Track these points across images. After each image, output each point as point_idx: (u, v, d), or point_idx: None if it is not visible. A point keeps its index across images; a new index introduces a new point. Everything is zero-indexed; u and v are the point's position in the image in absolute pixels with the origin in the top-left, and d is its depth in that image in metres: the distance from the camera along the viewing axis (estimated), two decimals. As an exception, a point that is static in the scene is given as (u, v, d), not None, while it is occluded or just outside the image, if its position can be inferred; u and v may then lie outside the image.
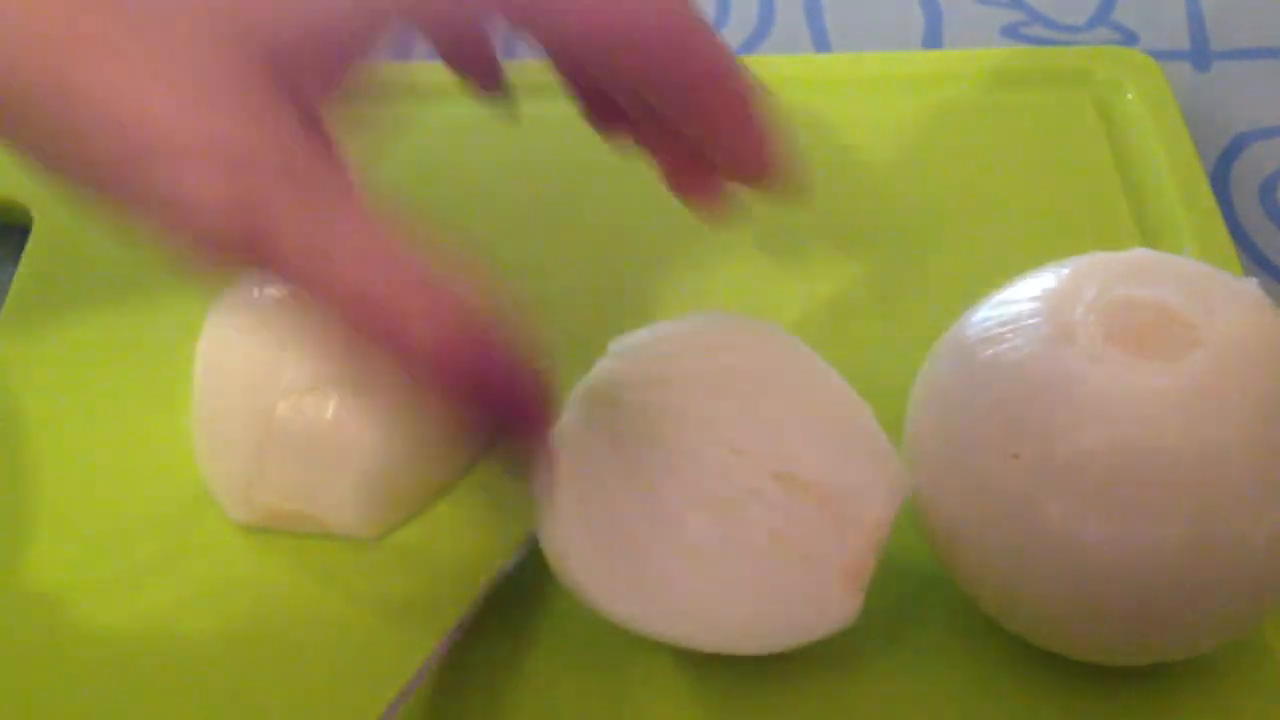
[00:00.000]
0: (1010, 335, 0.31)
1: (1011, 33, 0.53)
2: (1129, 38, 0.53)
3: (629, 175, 0.46)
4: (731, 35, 0.53)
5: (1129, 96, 0.48)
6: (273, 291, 0.37)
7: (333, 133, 0.27)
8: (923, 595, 0.35)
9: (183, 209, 0.25)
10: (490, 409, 0.27)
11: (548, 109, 0.41)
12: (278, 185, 0.25)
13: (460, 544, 0.37)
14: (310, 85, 0.26)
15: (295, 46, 0.26)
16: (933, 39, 0.53)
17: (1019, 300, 0.32)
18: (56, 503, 0.38)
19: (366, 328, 0.26)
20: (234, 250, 0.25)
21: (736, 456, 0.31)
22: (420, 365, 0.26)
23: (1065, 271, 0.32)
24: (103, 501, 0.38)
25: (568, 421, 0.31)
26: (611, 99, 0.33)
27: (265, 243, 0.25)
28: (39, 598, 0.36)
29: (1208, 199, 0.44)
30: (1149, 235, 0.43)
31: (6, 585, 0.36)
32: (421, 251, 0.26)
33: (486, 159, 0.47)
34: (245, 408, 0.36)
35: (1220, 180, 0.48)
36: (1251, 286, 0.31)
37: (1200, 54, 0.52)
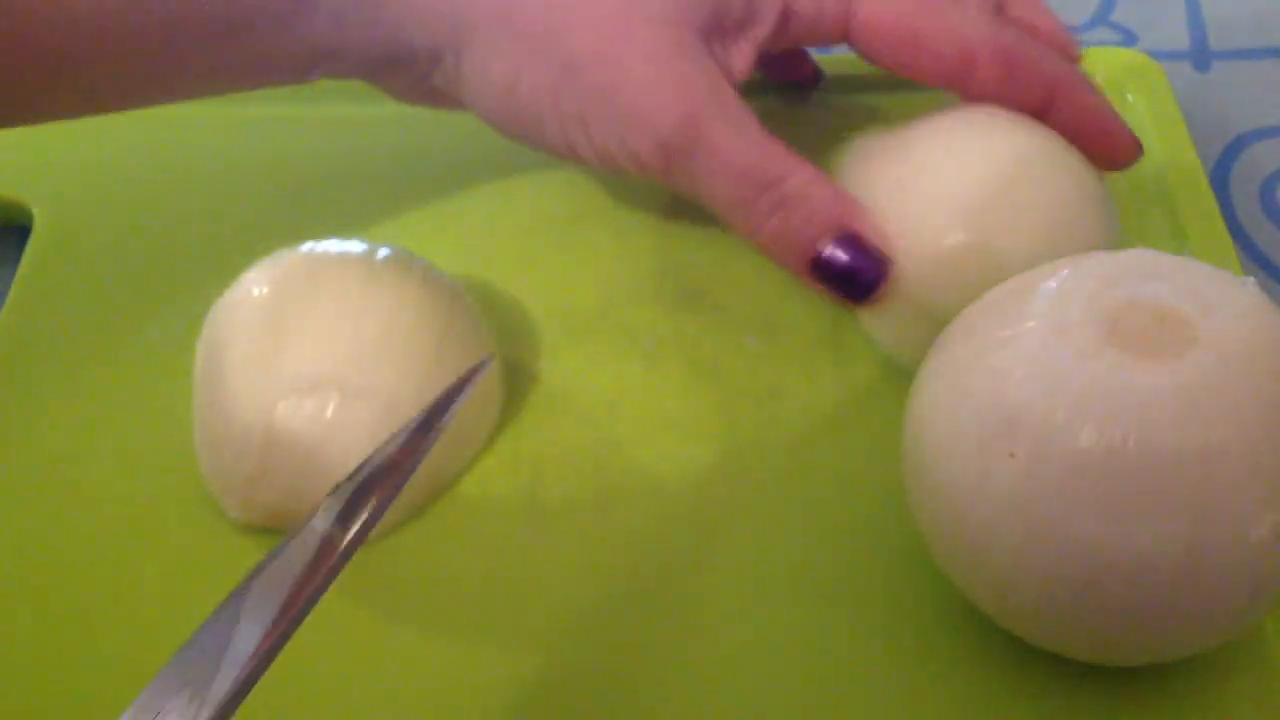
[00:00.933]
0: (1009, 334, 0.31)
1: (1012, 33, 0.53)
2: (1129, 38, 0.53)
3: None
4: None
5: (1129, 97, 0.48)
6: (272, 291, 0.37)
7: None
8: (921, 595, 0.35)
9: (644, 121, 0.36)
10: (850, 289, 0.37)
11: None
12: (709, 108, 0.36)
13: (460, 544, 0.37)
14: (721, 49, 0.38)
15: (716, 21, 0.37)
16: (933, 39, 0.53)
17: (1017, 299, 0.32)
18: (56, 502, 0.38)
19: (765, 213, 0.37)
20: (672, 154, 0.36)
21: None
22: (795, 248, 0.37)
23: (1064, 271, 0.32)
24: (103, 501, 0.38)
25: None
26: None
27: (700, 148, 0.36)
28: (38, 597, 0.36)
29: (1208, 199, 0.44)
30: (1149, 235, 0.43)
31: (6, 584, 0.36)
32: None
33: (493, 158, 0.47)
34: (245, 408, 0.36)
35: (1220, 180, 0.48)
36: (1250, 285, 0.31)
37: (1200, 54, 0.53)
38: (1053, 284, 0.31)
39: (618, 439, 0.39)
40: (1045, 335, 0.30)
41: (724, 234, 0.44)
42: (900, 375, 0.39)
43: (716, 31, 0.37)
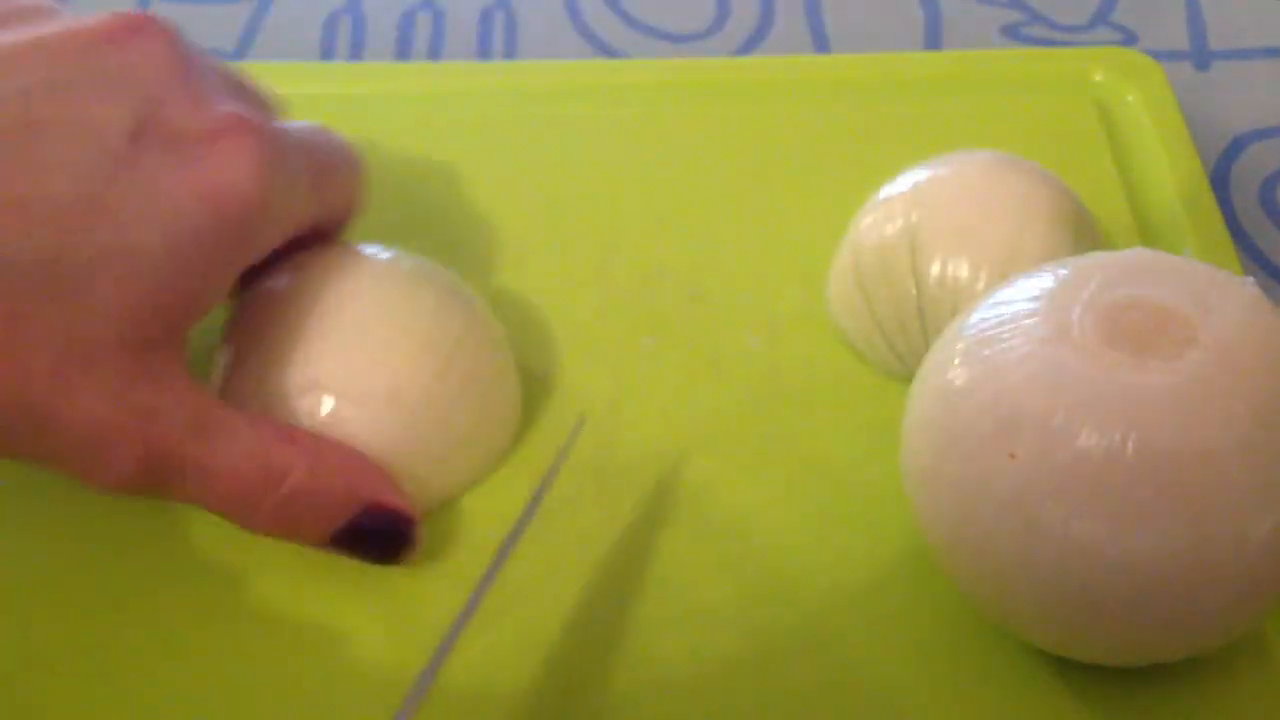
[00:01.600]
0: (1008, 335, 0.31)
1: (1012, 33, 0.53)
2: (1129, 38, 0.53)
3: (628, 173, 0.46)
4: (731, 35, 0.54)
5: (1129, 98, 0.48)
6: (280, 293, 0.37)
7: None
8: (921, 595, 0.35)
9: (105, 479, 0.31)
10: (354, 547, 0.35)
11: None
12: (183, 439, 0.32)
13: (458, 545, 0.37)
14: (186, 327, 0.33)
15: (181, 320, 0.32)
16: (933, 39, 0.53)
17: (1017, 300, 0.31)
18: (57, 503, 0.38)
19: (270, 514, 0.33)
20: (155, 486, 0.32)
21: None
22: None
23: (1063, 271, 0.32)
24: (101, 502, 0.38)
25: None
26: None
27: (187, 472, 0.32)
28: (38, 595, 0.36)
29: (1208, 200, 0.44)
30: (1149, 236, 0.43)
31: (6, 584, 0.36)
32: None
33: (493, 160, 0.47)
34: (249, 409, 0.36)
35: (1220, 180, 0.48)
36: (1249, 285, 0.31)
37: (1200, 54, 0.53)
38: (1052, 284, 0.31)
39: (618, 440, 0.39)
40: (1045, 335, 0.30)
41: (724, 234, 0.44)
42: (901, 375, 0.39)
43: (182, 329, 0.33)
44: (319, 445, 0.34)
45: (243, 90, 0.36)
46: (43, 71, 0.31)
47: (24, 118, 0.30)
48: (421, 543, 0.35)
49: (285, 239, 0.35)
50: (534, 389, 0.40)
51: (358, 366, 0.36)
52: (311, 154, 0.36)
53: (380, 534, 0.34)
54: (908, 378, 0.35)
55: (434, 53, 0.53)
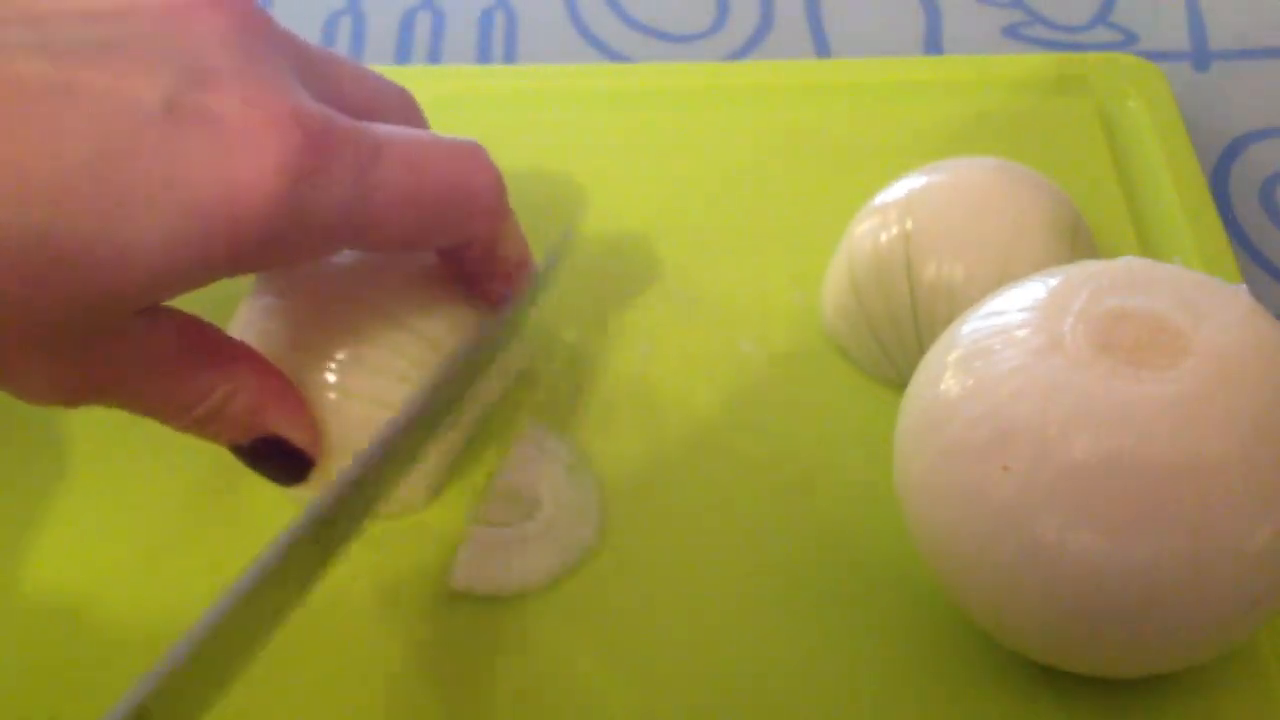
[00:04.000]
0: (1001, 346, 0.31)
1: (1012, 33, 0.53)
2: (1129, 38, 0.53)
3: (625, 176, 0.46)
4: (731, 38, 0.53)
5: (1130, 103, 0.47)
6: (269, 301, 0.37)
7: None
8: (915, 607, 0.35)
9: (36, 403, 0.31)
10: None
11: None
12: (120, 379, 0.32)
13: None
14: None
15: (160, 300, 0.31)
16: (933, 40, 0.53)
17: (1009, 311, 0.31)
18: (59, 497, 0.38)
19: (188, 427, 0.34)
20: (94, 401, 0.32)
21: None
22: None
23: (1055, 281, 0.32)
24: (108, 487, 0.38)
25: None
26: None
27: (120, 400, 0.32)
28: (43, 589, 0.36)
29: (1207, 206, 0.44)
30: (1148, 242, 0.43)
31: (7, 585, 0.36)
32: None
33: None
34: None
35: (1220, 181, 0.48)
36: (1242, 293, 0.31)
37: (1200, 54, 0.52)
38: (1044, 295, 0.31)
39: (613, 443, 0.39)
40: (1038, 347, 0.30)
41: (721, 237, 0.44)
42: (896, 382, 0.39)
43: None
44: (242, 370, 0.34)
45: (327, 83, 0.33)
46: (87, 31, 0.28)
47: (54, 78, 0.27)
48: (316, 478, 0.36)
49: (326, 251, 0.33)
50: (518, 383, 0.40)
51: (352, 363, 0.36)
52: (397, 166, 0.32)
53: (275, 461, 0.35)
54: (901, 384, 0.35)
55: (434, 52, 0.53)
